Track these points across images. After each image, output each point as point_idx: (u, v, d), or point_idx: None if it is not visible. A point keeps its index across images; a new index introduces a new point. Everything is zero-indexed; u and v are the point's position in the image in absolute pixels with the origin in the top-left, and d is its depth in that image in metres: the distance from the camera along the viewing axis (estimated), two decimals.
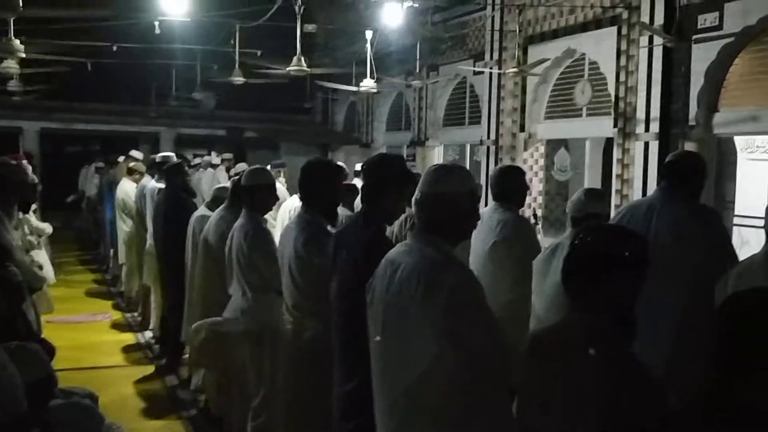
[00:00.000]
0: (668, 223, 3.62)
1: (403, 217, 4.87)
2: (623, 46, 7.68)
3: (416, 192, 2.54)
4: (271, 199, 4.64)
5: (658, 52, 7.18)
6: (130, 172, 8.77)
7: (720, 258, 3.52)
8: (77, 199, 14.38)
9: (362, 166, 3.13)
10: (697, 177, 3.79)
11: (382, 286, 2.51)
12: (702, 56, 6.79)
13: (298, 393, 3.62)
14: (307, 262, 3.55)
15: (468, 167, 11.20)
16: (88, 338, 7.69)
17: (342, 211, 4.85)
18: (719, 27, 6.63)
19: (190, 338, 5.60)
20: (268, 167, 6.50)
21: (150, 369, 6.66)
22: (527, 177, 9.22)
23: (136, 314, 8.55)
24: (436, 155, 11.96)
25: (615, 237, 2.15)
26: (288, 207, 6.44)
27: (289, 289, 3.67)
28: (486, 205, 8.94)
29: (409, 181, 3.07)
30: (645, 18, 7.27)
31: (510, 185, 4.58)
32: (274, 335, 4.03)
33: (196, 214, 5.77)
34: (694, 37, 6.78)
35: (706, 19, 6.74)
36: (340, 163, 6.50)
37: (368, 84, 9.09)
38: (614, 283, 2.05)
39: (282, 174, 8.37)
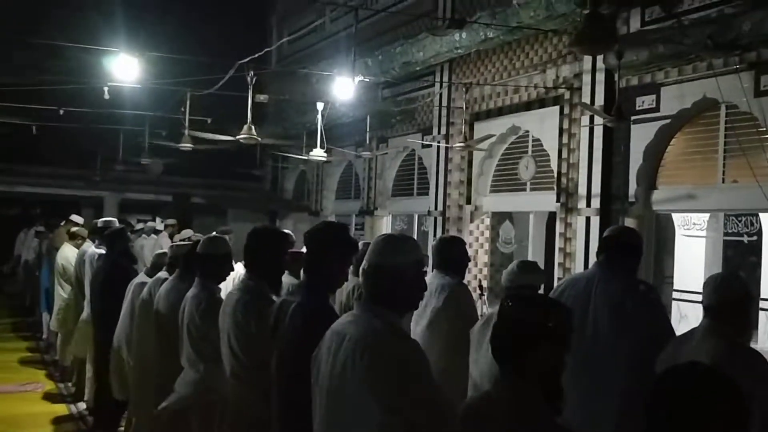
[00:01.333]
0: (606, 298, 3.66)
1: (351, 286, 4.84)
2: (565, 125, 7.95)
3: (363, 262, 2.53)
4: (226, 269, 4.57)
5: (598, 131, 7.45)
6: (72, 237, 8.57)
7: (658, 333, 3.57)
8: (13, 266, 13.92)
9: (305, 235, 3.11)
10: (633, 252, 3.84)
11: (327, 358, 2.47)
12: (641, 136, 7.07)
13: None
14: (246, 330, 3.47)
15: (416, 237, 11.29)
16: (18, 409, 7.33)
17: (288, 279, 4.80)
18: (656, 109, 6.94)
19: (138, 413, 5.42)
20: (214, 233, 6.44)
21: None
22: (473, 248, 9.40)
23: (70, 384, 8.21)
24: (385, 225, 12.03)
25: (537, 307, 2.15)
26: (232, 274, 6.34)
27: (227, 358, 3.58)
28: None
29: (352, 250, 3.07)
30: (586, 98, 7.56)
31: (451, 254, 4.66)
32: (225, 406, 3.90)
33: (135, 281, 5.65)
34: (633, 117, 7.06)
35: (644, 101, 7.05)
36: (287, 230, 6.47)
37: (318, 153, 9.18)
38: (537, 353, 2.07)
39: (228, 240, 8.27)
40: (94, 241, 7.56)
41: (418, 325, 4.52)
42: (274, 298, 3.52)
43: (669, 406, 1.73)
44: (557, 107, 8.08)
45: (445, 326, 4.40)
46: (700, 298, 3.35)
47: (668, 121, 6.87)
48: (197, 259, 4.41)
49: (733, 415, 1.71)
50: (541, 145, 8.41)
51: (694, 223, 8.15)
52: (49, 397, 7.91)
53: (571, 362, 3.64)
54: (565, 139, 7.95)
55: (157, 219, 13.83)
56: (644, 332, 3.55)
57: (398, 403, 2.28)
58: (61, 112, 9.82)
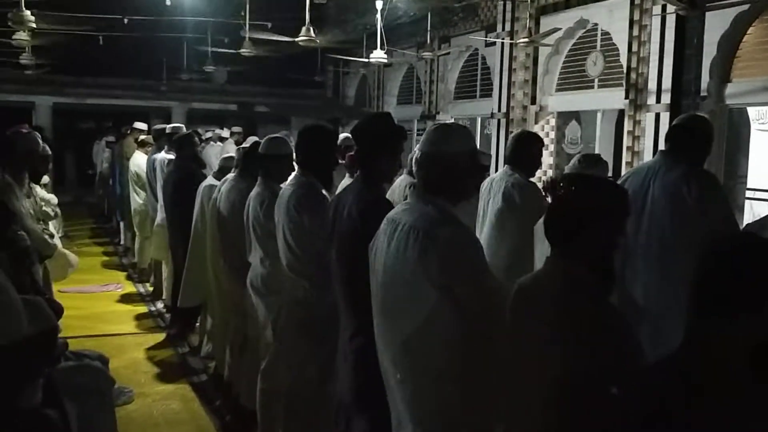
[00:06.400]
0: (664, 187, 3.53)
1: (404, 185, 4.87)
2: (636, 16, 7.59)
3: (416, 151, 2.54)
4: (288, 169, 4.63)
5: (671, 22, 7.09)
6: (142, 144, 8.80)
7: (721, 224, 3.46)
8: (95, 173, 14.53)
9: (352, 132, 3.10)
10: (700, 140, 3.66)
11: (382, 245, 2.54)
12: (715, 26, 6.70)
13: (295, 353, 3.67)
14: (299, 223, 3.58)
15: (478, 141, 11.17)
16: (100, 308, 7.78)
17: (349, 181, 4.85)
18: None
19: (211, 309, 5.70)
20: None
21: (161, 336, 6.74)
22: None
23: (148, 285, 8.63)
24: None
25: (591, 186, 2.15)
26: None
27: (283, 250, 3.71)
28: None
29: (400, 137, 3.05)
30: None
31: (523, 151, 4.53)
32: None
33: (204, 184, 5.79)
34: (708, 5, 6.68)
35: None
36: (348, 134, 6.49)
37: (378, 55, 9.01)
38: (591, 232, 2.06)
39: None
40: (162, 148, 7.75)
41: (486, 224, 4.52)
42: (326, 194, 3.61)
43: (708, 277, 1.53)
44: None
45: (512, 224, 4.38)
46: None
47: (746, 8, 6.46)
48: (259, 158, 4.49)
49: None
50: (611, 38, 8.08)
51: None
52: (128, 297, 8.36)
53: (632, 251, 3.59)
54: (635, 32, 7.59)
55: (225, 129, 14.02)
56: (706, 223, 3.44)
57: (448, 283, 2.33)
58: (126, 20, 9.91)
